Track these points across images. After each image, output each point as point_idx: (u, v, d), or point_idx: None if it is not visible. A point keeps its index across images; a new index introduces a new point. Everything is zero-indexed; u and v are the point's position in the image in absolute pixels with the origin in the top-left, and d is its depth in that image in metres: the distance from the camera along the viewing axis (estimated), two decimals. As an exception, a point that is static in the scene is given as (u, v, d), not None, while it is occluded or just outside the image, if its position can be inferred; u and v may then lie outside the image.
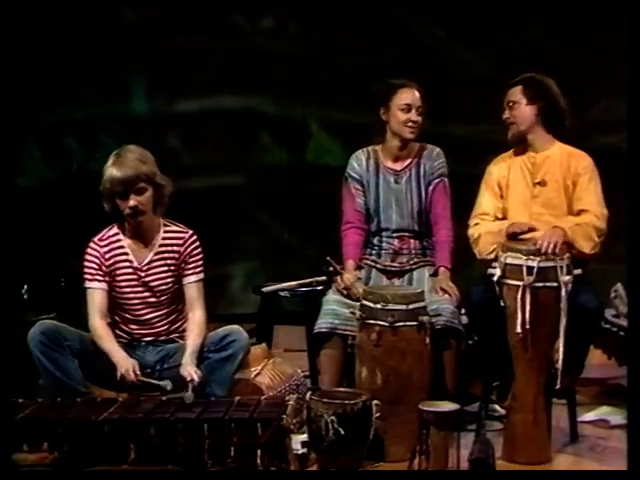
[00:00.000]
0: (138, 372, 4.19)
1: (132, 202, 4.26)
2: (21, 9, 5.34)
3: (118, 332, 4.41)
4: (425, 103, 4.78)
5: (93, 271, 4.37)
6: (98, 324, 4.33)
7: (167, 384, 4.17)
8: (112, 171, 4.26)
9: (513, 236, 4.45)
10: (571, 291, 4.18)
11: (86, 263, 4.39)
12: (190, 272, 4.40)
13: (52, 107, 6.68)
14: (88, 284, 4.38)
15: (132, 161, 4.27)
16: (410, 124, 4.74)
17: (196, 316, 4.38)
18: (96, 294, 4.36)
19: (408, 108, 4.74)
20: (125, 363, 4.20)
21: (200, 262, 4.43)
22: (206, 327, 4.38)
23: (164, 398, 4.17)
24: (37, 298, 5.33)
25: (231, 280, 6.99)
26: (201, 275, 4.43)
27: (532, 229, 4.44)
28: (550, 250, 4.18)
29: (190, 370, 4.18)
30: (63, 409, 4.01)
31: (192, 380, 4.15)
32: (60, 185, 6.58)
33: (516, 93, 4.62)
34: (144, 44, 6.72)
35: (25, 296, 5.27)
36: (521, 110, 4.60)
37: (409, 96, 4.76)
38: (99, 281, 4.36)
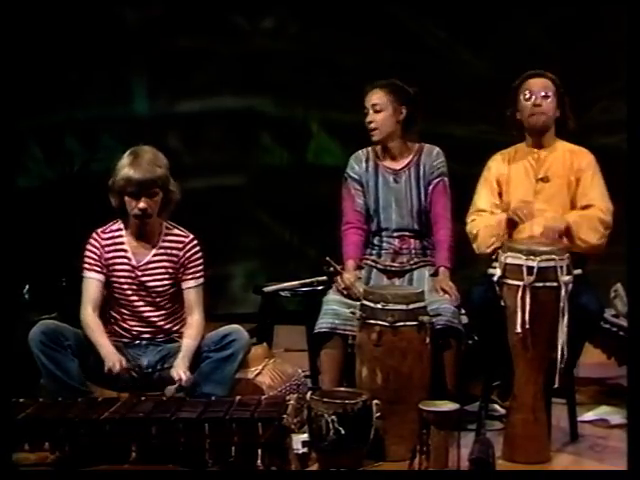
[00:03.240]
0: (125, 364, 4.22)
1: (142, 204, 4.27)
2: (23, 10, 5.35)
3: (118, 330, 4.42)
4: (396, 103, 4.71)
5: (92, 261, 4.39)
6: (89, 314, 4.34)
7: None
8: (129, 171, 4.25)
9: (513, 223, 4.50)
10: (573, 292, 4.20)
11: (86, 253, 4.41)
12: (189, 277, 4.41)
13: (53, 108, 6.68)
14: (85, 273, 4.40)
15: (149, 164, 4.27)
16: (368, 126, 4.75)
17: (194, 320, 4.39)
18: (91, 284, 4.38)
19: (367, 110, 4.75)
20: (112, 357, 4.23)
21: (200, 267, 4.43)
22: (203, 331, 4.39)
23: (165, 397, 4.19)
24: (38, 298, 5.33)
25: (231, 280, 6.98)
26: (200, 280, 4.43)
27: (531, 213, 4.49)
28: (553, 236, 4.28)
29: (179, 371, 4.22)
30: (64, 409, 4.01)
31: (180, 380, 4.19)
32: (61, 185, 6.59)
33: (548, 85, 4.60)
34: (145, 45, 6.72)
35: (26, 296, 5.28)
36: (550, 103, 4.60)
37: (370, 98, 4.76)
38: (96, 272, 4.38)
